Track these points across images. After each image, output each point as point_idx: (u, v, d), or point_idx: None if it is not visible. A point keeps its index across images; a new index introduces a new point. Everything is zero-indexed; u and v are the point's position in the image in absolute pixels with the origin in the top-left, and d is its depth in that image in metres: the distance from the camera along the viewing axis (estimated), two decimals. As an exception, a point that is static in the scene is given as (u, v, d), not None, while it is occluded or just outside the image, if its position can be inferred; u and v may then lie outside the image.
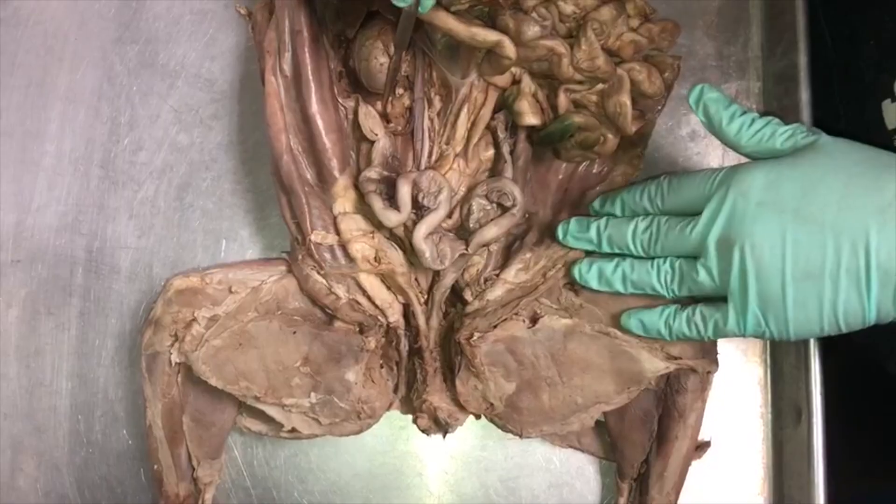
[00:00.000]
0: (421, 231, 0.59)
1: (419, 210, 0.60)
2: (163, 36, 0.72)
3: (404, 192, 0.59)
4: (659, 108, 0.64)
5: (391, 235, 0.63)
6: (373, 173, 0.61)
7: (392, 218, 0.59)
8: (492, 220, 0.60)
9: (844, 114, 0.68)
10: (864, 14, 0.67)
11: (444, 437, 0.67)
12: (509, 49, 0.57)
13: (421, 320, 0.64)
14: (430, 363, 0.65)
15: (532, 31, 0.58)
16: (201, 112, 0.71)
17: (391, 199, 0.59)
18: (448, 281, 0.63)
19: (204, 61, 0.72)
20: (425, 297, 0.65)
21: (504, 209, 0.60)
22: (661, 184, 0.58)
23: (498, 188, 0.61)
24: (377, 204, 0.59)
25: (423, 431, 0.67)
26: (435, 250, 0.59)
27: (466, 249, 0.59)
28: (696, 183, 0.56)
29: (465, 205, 0.61)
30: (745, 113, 0.55)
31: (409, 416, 0.68)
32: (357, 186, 0.62)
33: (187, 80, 0.72)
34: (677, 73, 0.63)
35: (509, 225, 0.60)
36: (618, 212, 0.61)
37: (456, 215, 0.63)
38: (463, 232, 0.61)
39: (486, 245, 0.62)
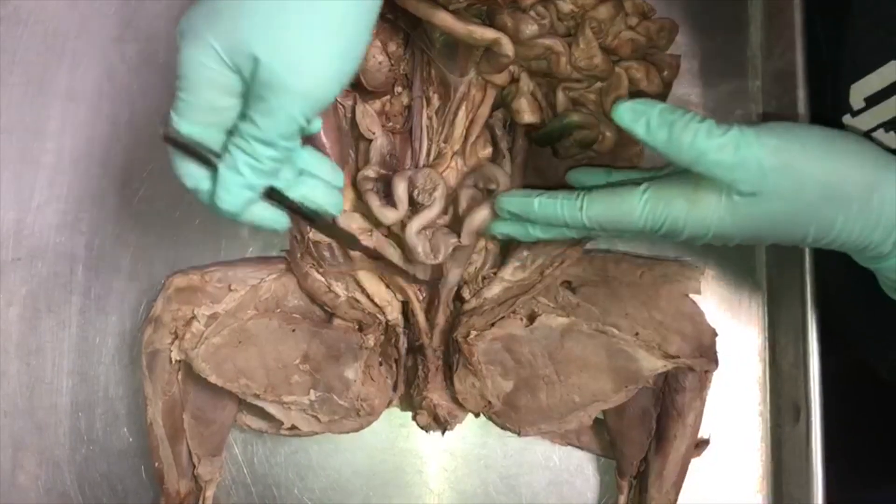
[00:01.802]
0: (413, 226, 0.59)
1: (414, 207, 0.60)
2: (163, 34, 0.72)
3: (400, 190, 0.59)
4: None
5: (389, 233, 0.63)
6: (370, 172, 0.61)
7: (389, 216, 0.59)
8: (479, 206, 0.60)
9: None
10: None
11: (443, 434, 0.67)
12: (507, 47, 0.57)
13: (420, 318, 0.64)
14: (433, 361, 0.65)
15: (530, 29, 0.58)
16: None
17: (388, 198, 0.60)
18: (453, 278, 0.63)
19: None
20: (424, 294, 0.65)
21: (490, 193, 0.60)
22: None
23: (483, 174, 0.61)
24: (374, 202, 0.60)
25: (422, 428, 0.67)
26: (427, 245, 0.59)
27: (459, 241, 0.59)
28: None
29: (455, 196, 0.62)
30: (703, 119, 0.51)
31: (409, 414, 0.68)
32: (355, 185, 0.62)
33: (188, 78, 0.72)
34: (676, 72, 0.63)
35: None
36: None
37: (452, 211, 0.63)
38: (458, 226, 0.61)
39: (478, 231, 0.60)
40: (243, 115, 0.49)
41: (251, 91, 0.48)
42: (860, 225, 0.50)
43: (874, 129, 0.62)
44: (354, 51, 0.49)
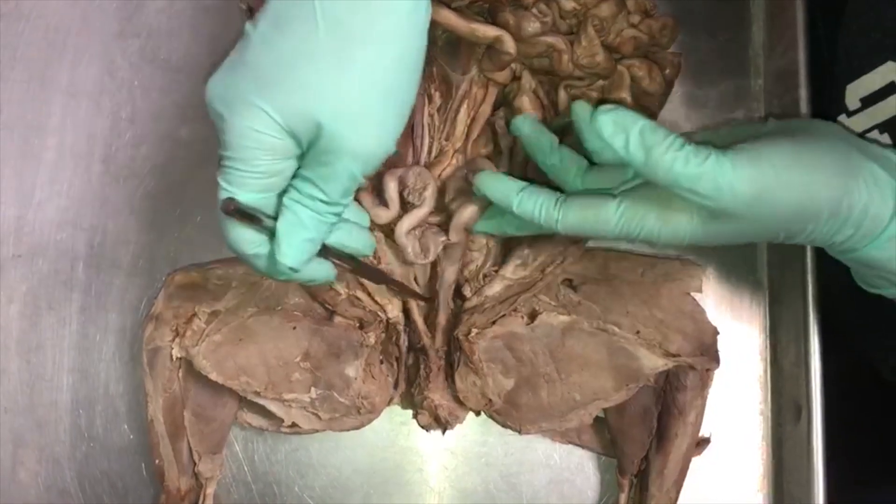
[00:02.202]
0: (403, 226, 0.59)
1: (405, 207, 0.60)
2: (164, 30, 0.72)
3: (391, 189, 0.59)
4: (659, 104, 0.64)
5: (390, 232, 0.63)
6: None
7: (382, 215, 0.59)
8: (466, 202, 0.60)
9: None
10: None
11: (443, 433, 0.67)
12: (509, 45, 0.57)
13: (419, 320, 0.64)
14: (436, 361, 0.65)
15: (532, 27, 0.58)
16: (203, 107, 0.71)
17: (382, 196, 0.60)
18: (449, 276, 0.63)
19: (205, 56, 0.72)
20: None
21: None
22: None
23: (471, 167, 0.61)
24: (368, 201, 0.60)
25: (423, 428, 0.67)
26: (417, 245, 0.59)
27: (448, 239, 0.59)
28: None
29: (445, 192, 0.62)
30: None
31: (410, 412, 0.68)
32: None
33: (189, 74, 0.72)
34: (678, 70, 0.63)
35: (484, 204, 0.60)
36: None
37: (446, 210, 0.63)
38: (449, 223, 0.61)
39: (467, 228, 0.60)
40: (302, 177, 0.50)
41: (311, 155, 0.49)
42: (828, 228, 0.51)
43: (869, 130, 0.62)
44: (407, 108, 0.50)
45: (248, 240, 0.52)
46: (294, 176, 0.51)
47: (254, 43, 0.48)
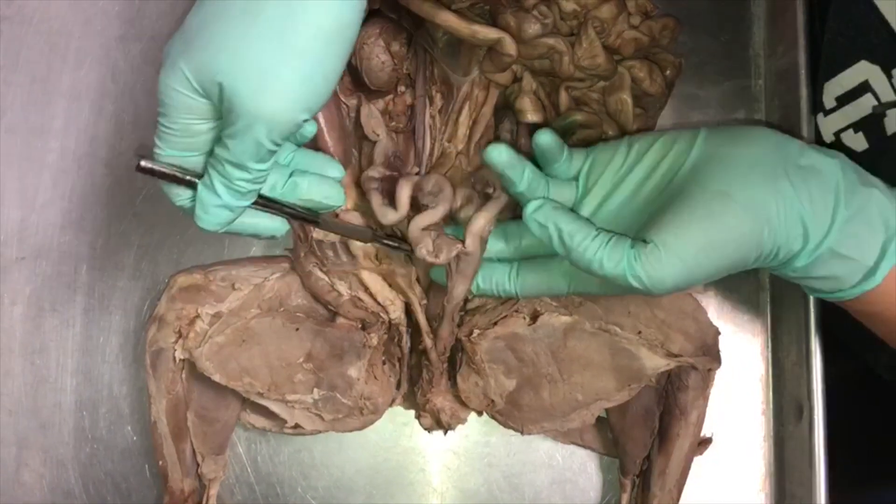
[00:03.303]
0: (419, 222, 0.58)
1: (417, 209, 0.60)
2: (166, 33, 0.72)
3: (404, 194, 0.59)
4: (660, 105, 0.64)
5: (392, 231, 0.63)
6: (375, 172, 0.61)
7: (389, 215, 0.59)
8: (478, 209, 0.59)
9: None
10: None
11: (444, 433, 0.67)
12: (510, 47, 0.57)
13: (422, 321, 0.64)
14: (438, 366, 0.65)
15: (533, 28, 0.58)
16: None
17: (391, 198, 0.60)
18: (459, 293, 0.61)
19: (207, 59, 0.72)
20: (426, 300, 0.65)
21: (487, 197, 0.60)
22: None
23: (482, 177, 0.61)
24: (376, 200, 0.60)
25: (426, 430, 0.67)
26: (430, 243, 0.58)
27: (464, 247, 0.58)
28: None
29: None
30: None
31: (412, 412, 0.68)
32: (359, 185, 0.62)
33: (191, 77, 0.72)
34: (679, 71, 0.63)
35: (496, 210, 0.59)
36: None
37: None
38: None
39: (482, 237, 0.60)
40: (219, 140, 0.50)
41: (224, 116, 0.49)
42: (752, 264, 0.55)
43: (844, 130, 0.62)
44: (322, 75, 0.49)
45: (175, 192, 0.53)
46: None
47: (193, 6, 0.50)
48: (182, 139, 0.51)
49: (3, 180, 0.70)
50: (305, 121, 0.49)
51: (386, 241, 0.61)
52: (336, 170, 0.59)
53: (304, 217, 0.57)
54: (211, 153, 0.51)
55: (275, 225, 0.57)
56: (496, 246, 0.61)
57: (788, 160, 0.54)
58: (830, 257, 0.53)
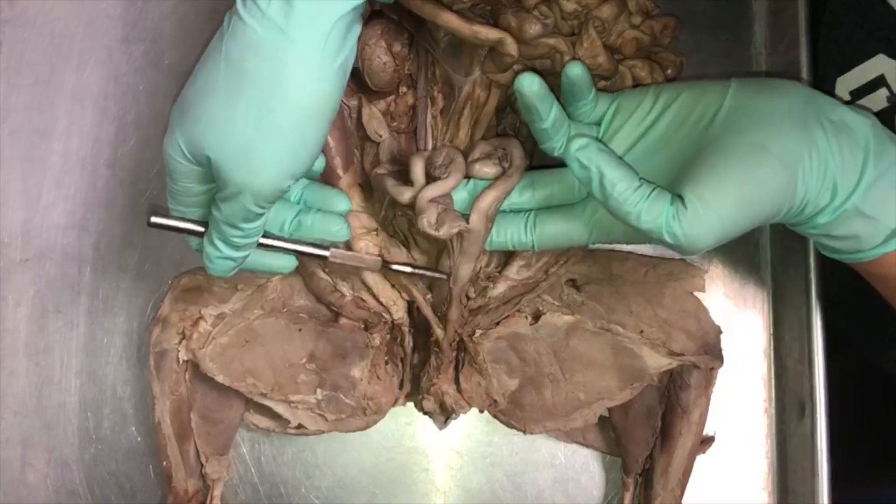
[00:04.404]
0: (428, 193, 0.57)
1: (431, 182, 0.59)
2: (169, 35, 0.73)
3: (418, 169, 0.58)
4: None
5: (395, 232, 0.64)
6: (382, 170, 0.62)
7: (405, 194, 0.58)
8: (489, 186, 0.58)
9: None
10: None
11: (445, 424, 0.67)
12: (511, 47, 0.57)
13: (428, 312, 0.64)
14: (448, 354, 0.65)
15: (534, 29, 0.58)
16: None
17: (409, 181, 0.59)
18: (464, 273, 0.61)
19: (209, 60, 0.72)
20: (430, 294, 0.65)
21: (501, 170, 0.59)
22: None
23: (502, 144, 0.60)
24: (389, 182, 0.59)
25: (426, 414, 0.67)
26: (434, 215, 0.57)
27: (467, 225, 0.58)
28: None
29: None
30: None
31: (415, 413, 0.68)
32: (361, 185, 0.63)
33: (193, 78, 0.72)
34: (680, 70, 0.63)
35: (505, 189, 0.58)
36: None
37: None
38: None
39: (489, 214, 0.58)
40: (214, 201, 0.54)
41: (216, 181, 0.53)
42: (779, 218, 0.54)
43: None
44: (304, 148, 0.51)
45: (189, 240, 0.59)
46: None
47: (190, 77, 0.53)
48: (186, 198, 0.56)
49: (7, 182, 0.70)
50: (290, 186, 0.53)
51: (396, 268, 0.62)
52: (343, 203, 0.61)
53: (312, 254, 0.60)
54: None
55: (282, 263, 0.62)
56: (517, 197, 0.60)
57: (821, 112, 0.53)
58: (854, 215, 0.53)
